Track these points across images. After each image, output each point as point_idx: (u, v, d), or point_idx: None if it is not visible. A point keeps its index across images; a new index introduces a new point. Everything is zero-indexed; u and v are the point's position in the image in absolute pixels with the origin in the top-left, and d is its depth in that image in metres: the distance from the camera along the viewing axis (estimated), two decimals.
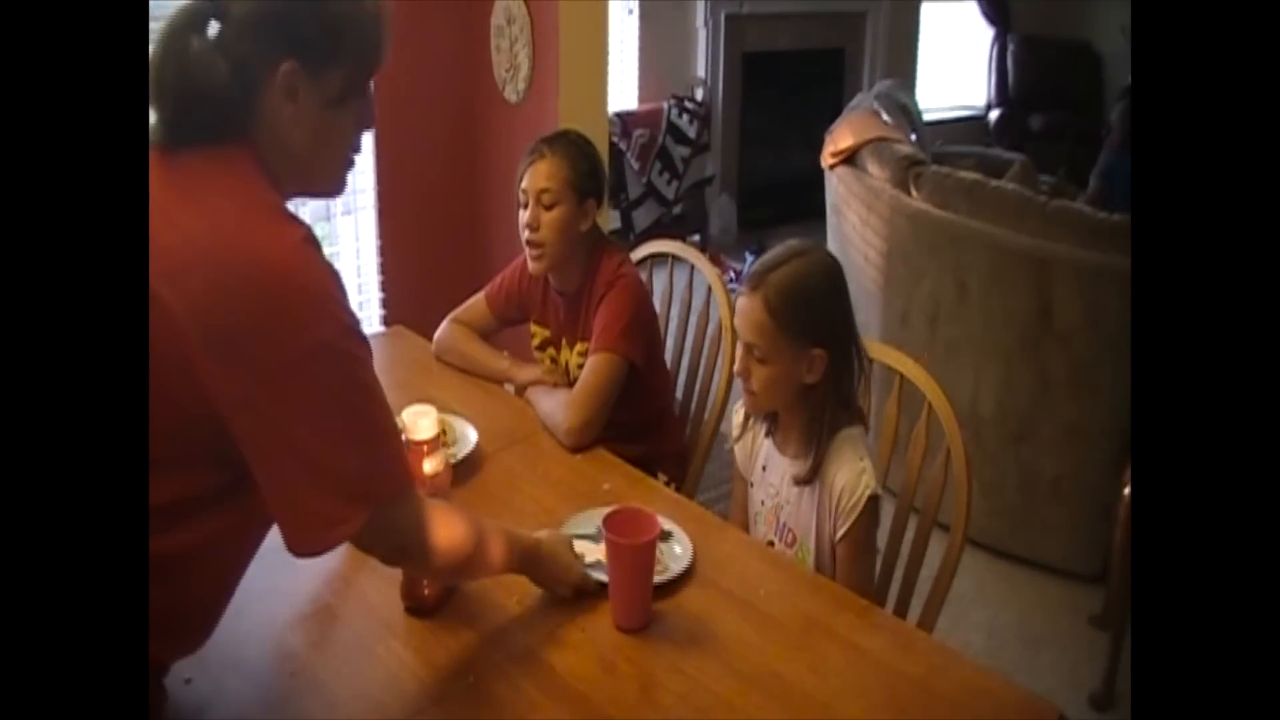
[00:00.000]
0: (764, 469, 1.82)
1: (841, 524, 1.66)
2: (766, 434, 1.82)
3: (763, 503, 1.81)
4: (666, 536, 1.66)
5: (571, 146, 2.10)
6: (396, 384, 2.23)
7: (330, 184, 1.29)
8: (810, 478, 1.71)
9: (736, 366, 1.71)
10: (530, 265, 2.14)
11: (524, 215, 2.09)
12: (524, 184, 2.10)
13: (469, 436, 1.94)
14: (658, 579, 1.55)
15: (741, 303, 1.67)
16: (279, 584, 1.62)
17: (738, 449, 1.89)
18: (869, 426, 1.81)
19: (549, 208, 2.07)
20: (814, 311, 1.65)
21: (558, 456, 1.96)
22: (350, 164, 1.28)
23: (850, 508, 1.65)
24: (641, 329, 2.10)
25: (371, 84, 1.25)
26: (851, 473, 1.66)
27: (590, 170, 2.10)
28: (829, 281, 1.68)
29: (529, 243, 2.10)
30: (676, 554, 1.63)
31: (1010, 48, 7.29)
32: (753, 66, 5.80)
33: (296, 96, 1.16)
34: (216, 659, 1.42)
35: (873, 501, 1.65)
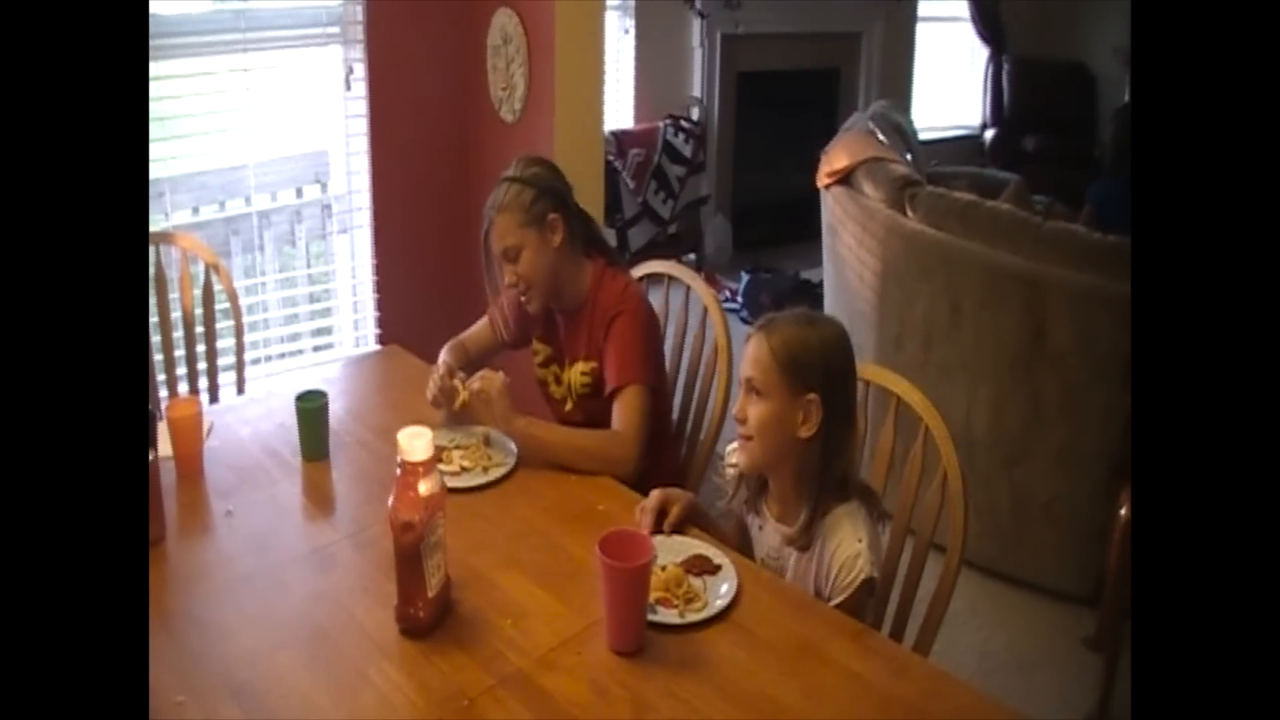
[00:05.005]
0: (760, 529, 1.82)
1: (835, 596, 1.65)
2: (749, 507, 1.82)
3: (763, 560, 1.81)
4: (713, 570, 1.66)
5: (511, 189, 2.10)
6: (390, 404, 2.25)
7: None
8: (804, 543, 1.70)
9: (734, 410, 1.72)
10: (529, 309, 2.18)
11: (503, 274, 2.13)
12: (490, 251, 2.13)
13: (510, 449, 2.00)
14: (696, 615, 1.55)
15: (749, 343, 1.70)
16: (270, 607, 1.62)
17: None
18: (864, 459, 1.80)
19: (517, 259, 2.09)
20: (816, 359, 1.67)
21: (549, 478, 1.96)
22: None
23: (845, 584, 1.64)
24: (656, 353, 2.13)
25: None
26: (849, 551, 1.64)
27: (537, 195, 2.10)
28: (836, 342, 1.71)
29: (518, 292, 2.14)
30: (721, 591, 1.62)
31: (1005, 68, 7.32)
32: (748, 86, 5.81)
33: None
34: (208, 681, 1.42)
35: (868, 584, 1.64)
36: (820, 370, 1.67)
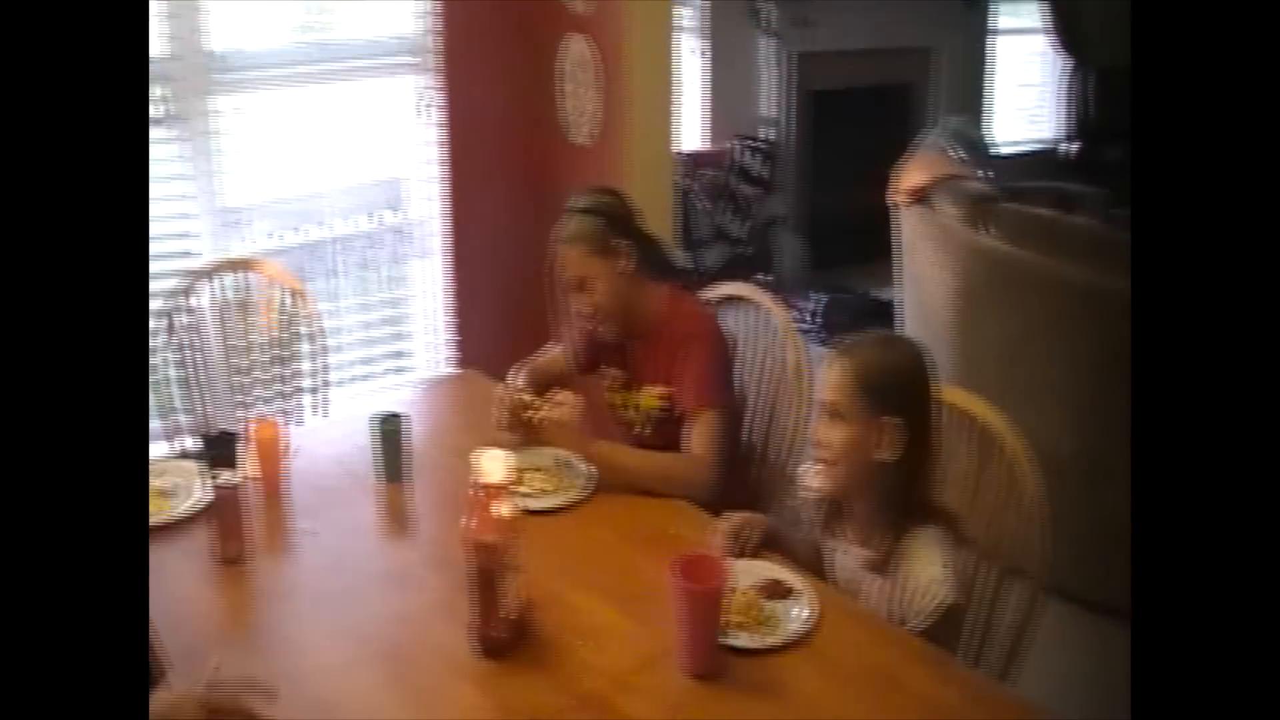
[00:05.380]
0: (837, 552, 1.81)
1: (914, 622, 1.62)
2: (826, 530, 1.81)
3: (839, 584, 1.79)
4: (786, 594, 1.65)
5: (577, 220, 2.13)
6: (468, 427, 2.27)
7: None
8: (884, 566, 1.68)
9: (812, 433, 1.71)
10: (602, 338, 2.20)
11: (573, 304, 2.15)
12: (560, 281, 2.15)
13: (586, 472, 2.01)
14: (772, 640, 1.54)
15: (827, 366, 1.69)
16: (351, 625, 1.65)
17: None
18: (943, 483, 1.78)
19: (587, 288, 2.11)
20: (896, 381, 1.66)
21: (625, 501, 1.96)
22: None
23: (925, 610, 1.61)
24: (728, 376, 2.14)
25: None
26: (929, 576, 1.62)
27: (603, 223, 2.12)
28: (916, 364, 1.70)
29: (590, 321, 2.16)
30: (795, 615, 1.61)
31: (1088, 79, 7.18)
32: (820, 105, 5.78)
33: None
34: (290, 699, 1.44)
35: (948, 610, 1.61)
36: (900, 393, 1.65)
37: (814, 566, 1.83)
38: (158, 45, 2.88)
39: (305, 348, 2.86)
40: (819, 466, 1.73)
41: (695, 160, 5.20)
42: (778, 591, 1.65)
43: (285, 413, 2.84)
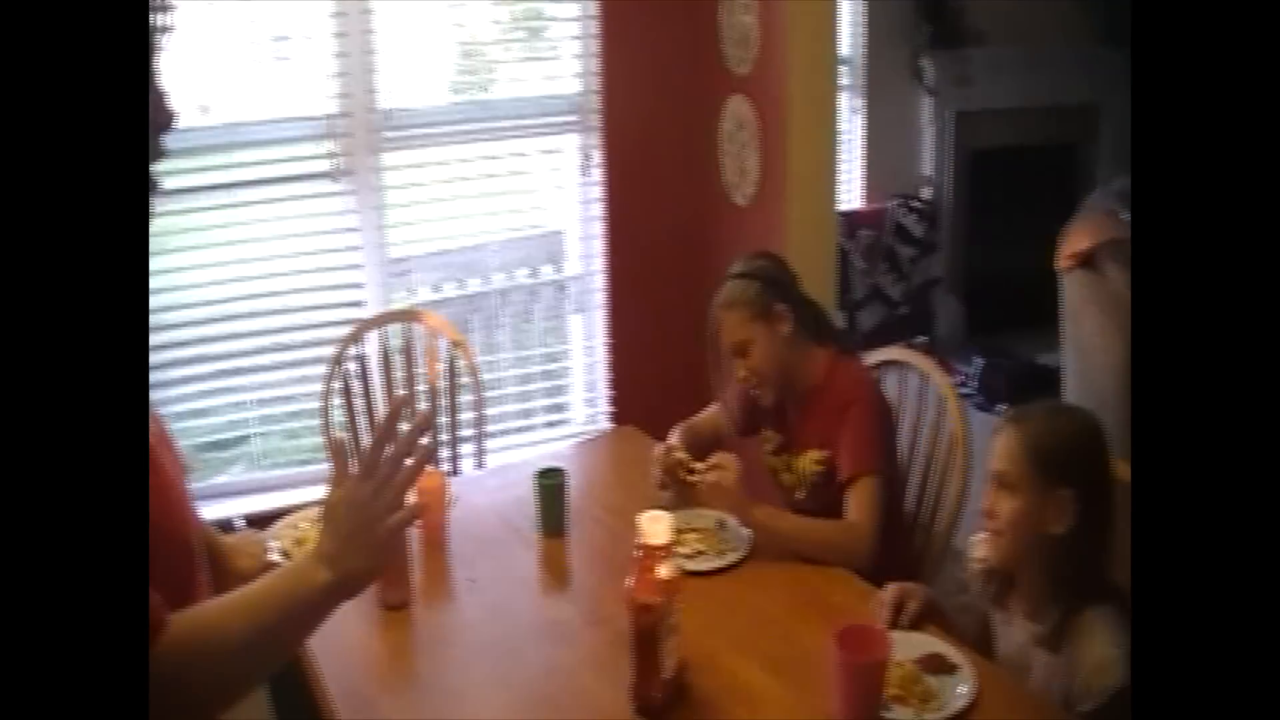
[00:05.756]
0: (1005, 624, 1.75)
1: (1084, 704, 1.55)
2: (995, 603, 1.75)
3: (1005, 658, 1.73)
4: (949, 669, 1.61)
5: (737, 285, 2.13)
6: (625, 484, 2.28)
7: None
8: (1053, 643, 1.62)
9: (983, 503, 1.67)
10: (761, 403, 2.19)
11: (732, 369, 2.15)
12: (719, 347, 2.15)
13: (744, 535, 2.00)
14: (933, 715, 1.51)
15: (997, 435, 1.66)
16: (508, 677, 1.67)
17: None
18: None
19: (747, 354, 2.11)
20: (1068, 452, 1.62)
21: (783, 566, 1.94)
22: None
23: (1096, 692, 1.54)
24: (889, 442, 2.11)
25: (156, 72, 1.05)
26: (1102, 656, 1.55)
27: (762, 287, 2.11)
28: (1089, 435, 1.66)
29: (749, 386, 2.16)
30: (957, 692, 1.56)
31: None
32: (981, 164, 5.68)
33: None
34: None
35: (1121, 694, 1.52)
36: (1072, 464, 1.60)
37: (977, 638, 1.78)
38: (329, 103, 3.03)
39: (465, 399, 2.94)
40: (988, 537, 1.68)
41: (853, 220, 5.17)
42: (940, 666, 1.61)
43: (443, 462, 2.91)
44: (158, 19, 1.04)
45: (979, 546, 1.74)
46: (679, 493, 2.13)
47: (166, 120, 1.08)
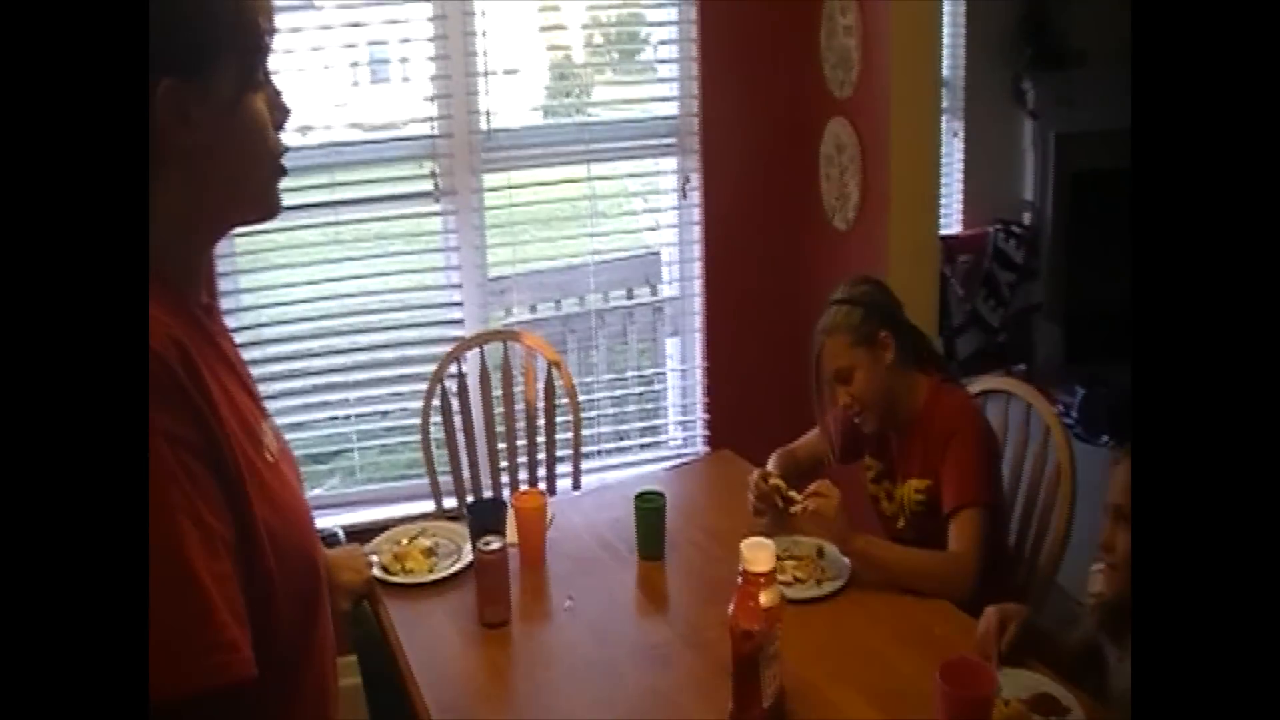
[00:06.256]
0: (1122, 661, 1.70)
1: None
2: (1113, 638, 1.70)
3: (1124, 694, 1.69)
4: (1061, 712, 1.57)
5: (840, 311, 2.11)
6: (722, 508, 2.28)
7: (262, 200, 1.10)
8: None
9: (1101, 536, 1.62)
10: (864, 430, 2.16)
11: (834, 395, 2.13)
12: (821, 373, 2.13)
13: (844, 564, 1.98)
14: None
15: (1117, 468, 1.62)
16: (608, 698, 1.68)
17: None
18: None
19: (849, 380, 2.08)
20: None
21: (884, 597, 1.92)
22: (278, 171, 1.09)
23: None
24: (995, 472, 2.08)
25: (266, 70, 1.06)
26: None
27: (866, 314, 2.09)
28: None
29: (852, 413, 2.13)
30: None
31: None
32: (1083, 187, 5.56)
33: (188, 117, 0.99)
34: None
35: None
36: None
37: (1083, 669, 1.73)
38: (430, 124, 3.08)
39: (562, 419, 2.96)
40: (1104, 571, 1.64)
41: (951, 245, 5.10)
42: (1051, 708, 1.57)
43: (540, 481, 2.93)
44: (260, 34, 1.05)
45: (1095, 580, 1.70)
46: (775, 519, 2.12)
47: (282, 117, 1.09)
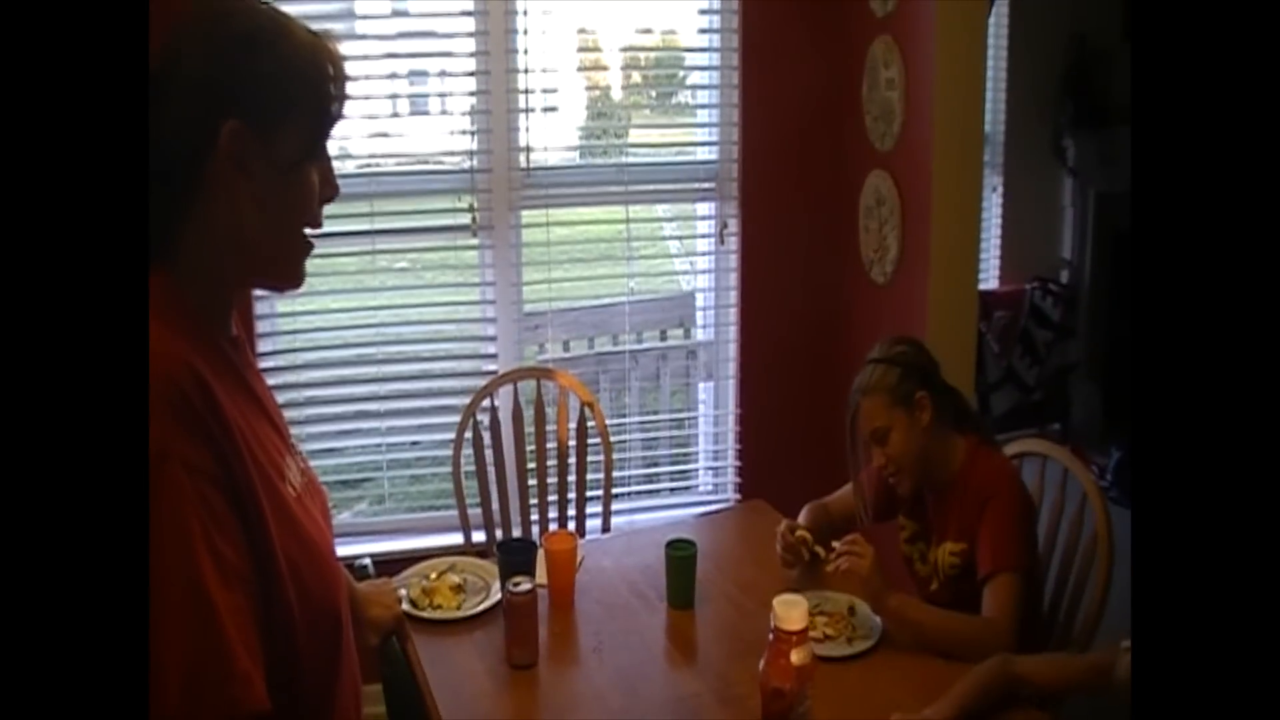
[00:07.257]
0: None
1: None
2: None
3: None
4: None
5: (877, 371, 2.09)
6: (754, 559, 2.26)
7: (289, 269, 1.12)
8: None
9: None
10: (899, 491, 2.14)
11: (869, 456, 2.12)
12: (857, 433, 2.12)
13: (876, 623, 1.96)
14: None
15: None
16: (634, 708, 1.65)
17: None
18: None
19: (886, 441, 2.07)
20: None
21: (916, 658, 1.89)
22: (309, 247, 1.12)
23: None
24: (1031, 538, 2.05)
25: (327, 146, 1.10)
26: None
27: (903, 374, 2.08)
28: None
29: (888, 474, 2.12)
30: None
31: None
32: (1123, 247, 5.53)
33: (245, 165, 1.02)
34: None
35: None
36: None
37: None
38: (470, 158, 3.10)
39: (593, 459, 2.95)
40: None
41: (988, 301, 5.07)
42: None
43: (569, 520, 2.92)
44: (333, 107, 1.08)
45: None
46: (805, 572, 2.10)
47: (331, 193, 1.12)
